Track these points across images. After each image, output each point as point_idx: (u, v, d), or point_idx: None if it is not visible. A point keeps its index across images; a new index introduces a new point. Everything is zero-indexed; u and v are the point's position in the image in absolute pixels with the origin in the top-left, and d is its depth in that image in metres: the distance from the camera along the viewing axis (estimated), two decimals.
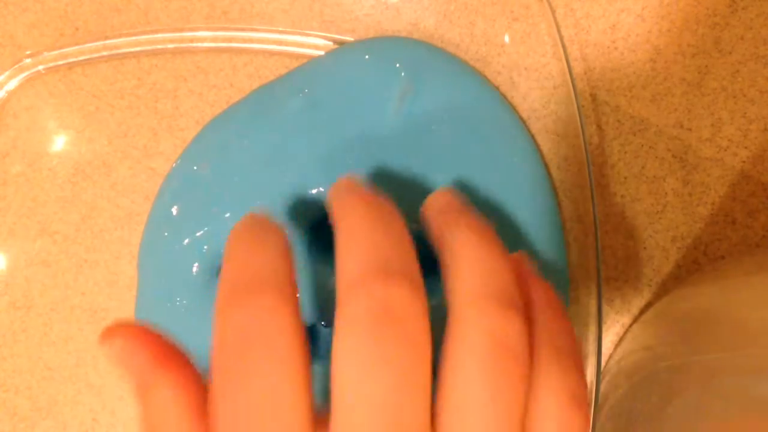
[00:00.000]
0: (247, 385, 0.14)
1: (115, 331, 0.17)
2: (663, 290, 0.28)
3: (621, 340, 0.28)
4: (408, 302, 0.15)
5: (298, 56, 0.30)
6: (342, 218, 0.17)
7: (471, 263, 0.17)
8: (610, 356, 0.28)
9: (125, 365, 0.16)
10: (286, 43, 0.30)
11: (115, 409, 0.30)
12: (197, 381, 0.16)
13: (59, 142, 0.31)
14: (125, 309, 0.30)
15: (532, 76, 0.29)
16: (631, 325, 0.28)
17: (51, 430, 0.30)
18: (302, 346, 0.15)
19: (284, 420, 0.14)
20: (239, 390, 0.14)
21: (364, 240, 0.16)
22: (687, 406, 0.21)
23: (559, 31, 0.28)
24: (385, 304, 0.15)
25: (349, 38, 0.30)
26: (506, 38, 0.29)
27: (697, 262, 0.28)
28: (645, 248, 0.28)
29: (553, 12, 0.28)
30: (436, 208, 0.19)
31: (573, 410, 0.16)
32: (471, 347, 0.15)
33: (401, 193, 0.25)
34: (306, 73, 0.28)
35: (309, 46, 0.30)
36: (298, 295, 0.16)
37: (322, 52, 0.29)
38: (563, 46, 0.28)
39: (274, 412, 0.14)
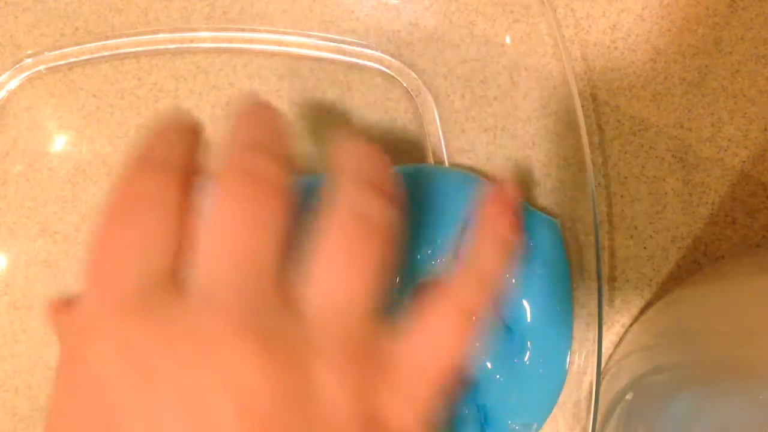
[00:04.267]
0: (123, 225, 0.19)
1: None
2: (663, 290, 0.28)
3: (621, 340, 0.28)
4: (268, 171, 0.18)
5: (298, 56, 0.30)
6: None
7: (347, 162, 0.20)
8: (610, 356, 0.28)
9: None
10: (286, 44, 0.30)
11: None
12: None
13: (59, 142, 0.31)
14: None
15: (532, 76, 0.29)
16: (631, 325, 0.28)
17: None
18: (179, 200, 0.18)
19: (152, 252, 0.18)
20: (117, 224, 0.19)
21: (247, 133, 0.20)
22: (687, 406, 0.21)
23: (559, 31, 0.28)
24: (248, 169, 0.18)
25: (349, 38, 0.30)
26: (507, 38, 0.29)
27: (697, 262, 0.28)
28: (645, 248, 0.28)
29: (554, 12, 0.28)
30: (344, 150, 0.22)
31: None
32: (335, 219, 0.18)
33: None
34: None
35: (309, 47, 0.30)
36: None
37: (322, 53, 0.30)
38: (563, 46, 0.28)
39: (144, 247, 0.18)
